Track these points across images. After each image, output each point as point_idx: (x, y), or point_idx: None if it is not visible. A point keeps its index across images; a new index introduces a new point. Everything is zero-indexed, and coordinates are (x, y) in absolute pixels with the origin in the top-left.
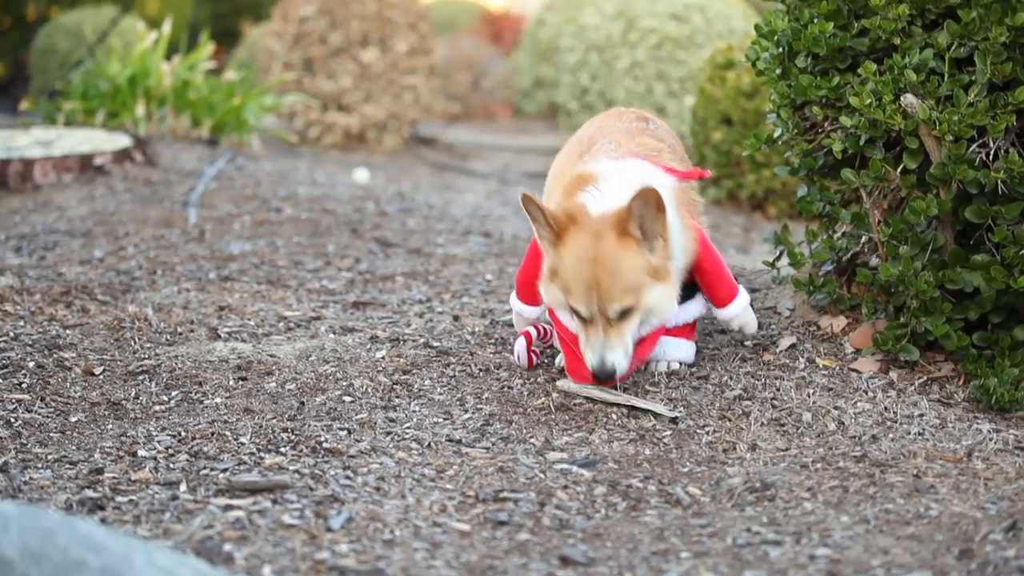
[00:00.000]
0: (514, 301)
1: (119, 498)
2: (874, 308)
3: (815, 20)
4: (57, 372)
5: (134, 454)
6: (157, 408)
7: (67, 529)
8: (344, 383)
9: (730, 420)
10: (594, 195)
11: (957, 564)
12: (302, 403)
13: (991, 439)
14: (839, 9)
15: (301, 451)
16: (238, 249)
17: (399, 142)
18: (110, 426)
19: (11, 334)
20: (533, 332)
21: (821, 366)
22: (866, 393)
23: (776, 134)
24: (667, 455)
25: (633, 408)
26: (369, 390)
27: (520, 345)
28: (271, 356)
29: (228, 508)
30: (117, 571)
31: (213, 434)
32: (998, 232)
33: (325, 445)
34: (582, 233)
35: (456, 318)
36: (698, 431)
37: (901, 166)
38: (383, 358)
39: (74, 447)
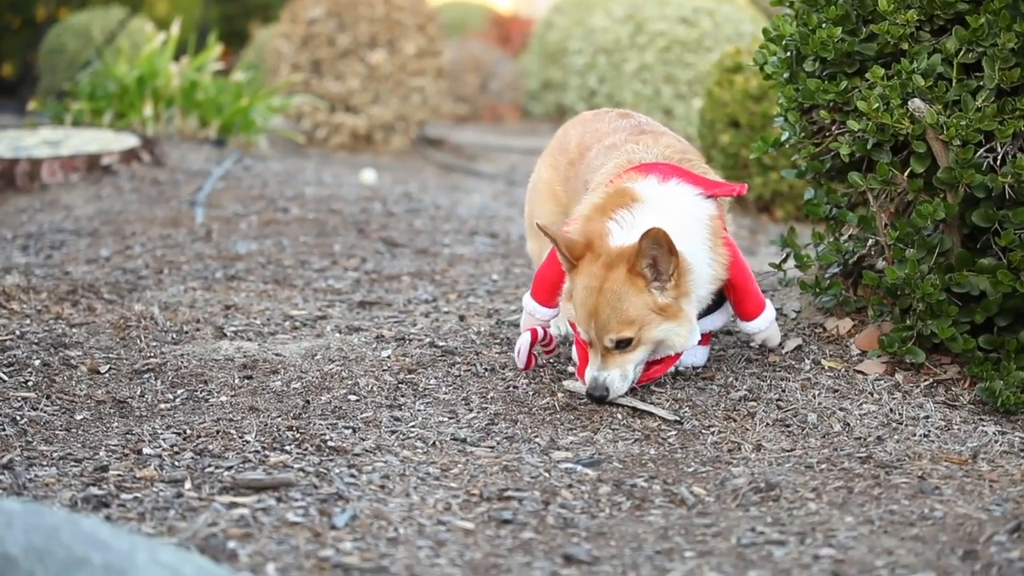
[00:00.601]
0: (528, 301)
1: (124, 495)
2: (880, 310)
3: (823, 25)
4: (63, 370)
5: (139, 452)
6: (162, 406)
7: (71, 526)
8: (349, 382)
9: (735, 420)
10: (625, 221)
11: (961, 565)
12: (307, 402)
13: (996, 441)
14: (847, 14)
15: (306, 449)
16: (244, 249)
17: (406, 143)
18: (115, 424)
19: (17, 332)
20: (540, 332)
21: (827, 368)
22: (871, 395)
23: (783, 137)
24: (672, 455)
25: (636, 410)
26: (374, 389)
27: (523, 342)
28: (277, 355)
29: (232, 506)
30: (121, 568)
31: (218, 432)
32: (1005, 236)
33: (330, 443)
34: (595, 262)
35: (462, 318)
36: (703, 431)
37: (908, 170)
38: (389, 357)
39: (79, 445)
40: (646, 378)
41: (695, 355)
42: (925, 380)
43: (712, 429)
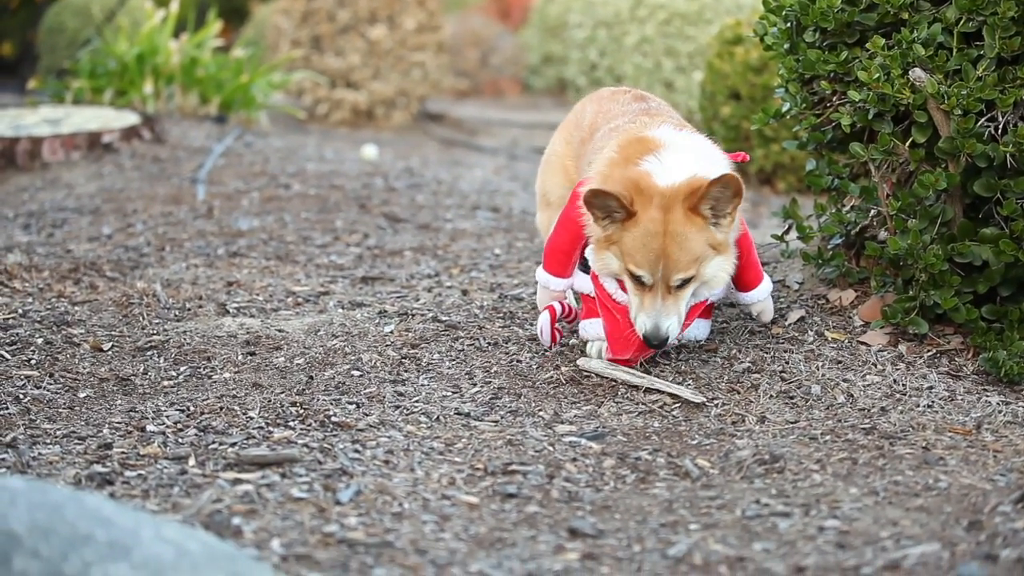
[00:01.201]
0: (541, 274)
1: (128, 473)
2: (883, 281)
3: None
4: (66, 348)
5: (143, 429)
6: (166, 383)
7: (75, 504)
8: (353, 357)
9: (739, 393)
10: (656, 165)
11: (966, 535)
12: (311, 377)
13: (1000, 411)
14: None
15: (310, 425)
16: (246, 225)
17: (407, 118)
18: (119, 401)
19: (20, 311)
20: (558, 308)
21: (830, 339)
22: (875, 366)
23: (784, 108)
24: (676, 428)
25: (659, 392)
26: (378, 364)
27: (544, 320)
28: (280, 331)
29: (237, 482)
30: (126, 545)
31: (222, 409)
32: (1007, 205)
33: (334, 419)
34: (650, 206)
35: (465, 292)
36: (707, 404)
37: (910, 140)
38: (392, 332)
39: (83, 422)
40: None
41: (698, 329)
42: (928, 351)
43: (716, 402)
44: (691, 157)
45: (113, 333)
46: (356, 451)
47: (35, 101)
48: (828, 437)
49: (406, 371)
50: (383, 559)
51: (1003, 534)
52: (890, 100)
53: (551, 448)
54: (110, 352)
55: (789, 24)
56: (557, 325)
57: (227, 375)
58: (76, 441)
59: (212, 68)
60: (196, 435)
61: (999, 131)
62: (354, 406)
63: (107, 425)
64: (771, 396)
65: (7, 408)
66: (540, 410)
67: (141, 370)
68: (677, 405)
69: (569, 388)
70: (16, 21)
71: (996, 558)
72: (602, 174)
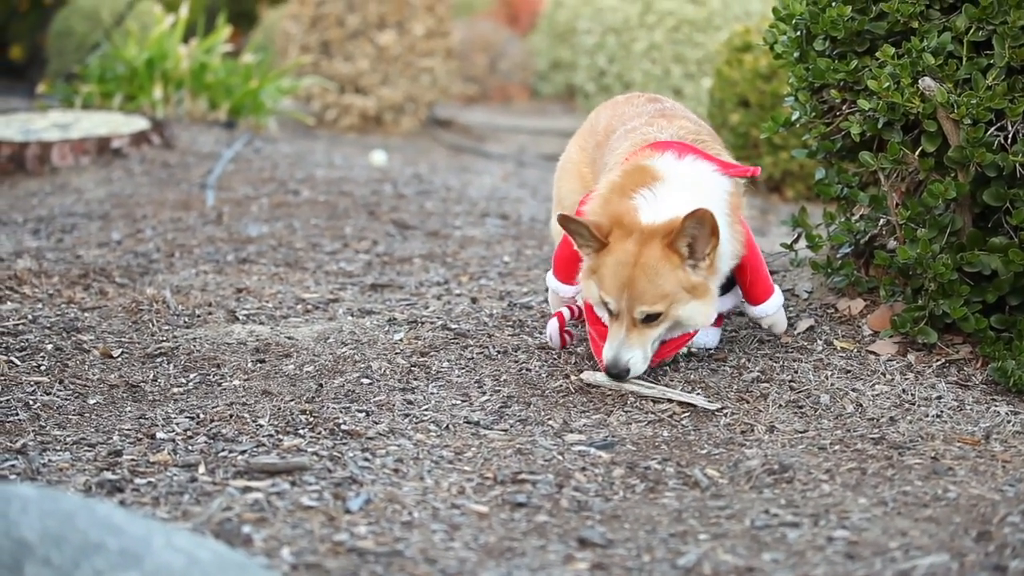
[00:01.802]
0: (551, 280)
1: (138, 480)
2: (892, 290)
3: (833, 3)
4: (75, 354)
5: (152, 436)
6: (175, 390)
7: (86, 511)
8: (362, 365)
9: (748, 402)
10: (648, 199)
11: (975, 546)
12: (320, 385)
13: (1009, 421)
14: None
15: (319, 433)
16: (256, 231)
17: (416, 124)
18: (128, 408)
19: (30, 316)
20: (566, 313)
21: (839, 348)
22: (884, 375)
23: (794, 117)
24: (685, 437)
25: (669, 401)
26: (387, 372)
27: (553, 326)
28: (289, 338)
29: (247, 490)
30: (136, 553)
31: (231, 416)
32: (1016, 215)
33: (343, 427)
34: (627, 239)
35: (474, 300)
36: (716, 413)
37: (919, 149)
38: (401, 340)
39: (93, 429)
40: (660, 356)
41: (708, 337)
42: (937, 360)
43: (725, 411)
44: (685, 196)
45: (123, 339)
46: (366, 459)
47: (44, 105)
48: (837, 447)
49: (416, 379)
50: (393, 568)
51: (1012, 545)
52: (900, 109)
53: (560, 457)
54: (120, 359)
55: (799, 32)
56: (567, 328)
57: (237, 382)
58: (86, 448)
59: (221, 73)
60: (206, 442)
61: (1008, 140)
62: (364, 414)
63: (117, 432)
64: (780, 405)
65: (17, 414)
66: (549, 419)
67: (151, 377)
68: (686, 414)
69: (578, 397)
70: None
71: (1005, 569)
72: (602, 196)
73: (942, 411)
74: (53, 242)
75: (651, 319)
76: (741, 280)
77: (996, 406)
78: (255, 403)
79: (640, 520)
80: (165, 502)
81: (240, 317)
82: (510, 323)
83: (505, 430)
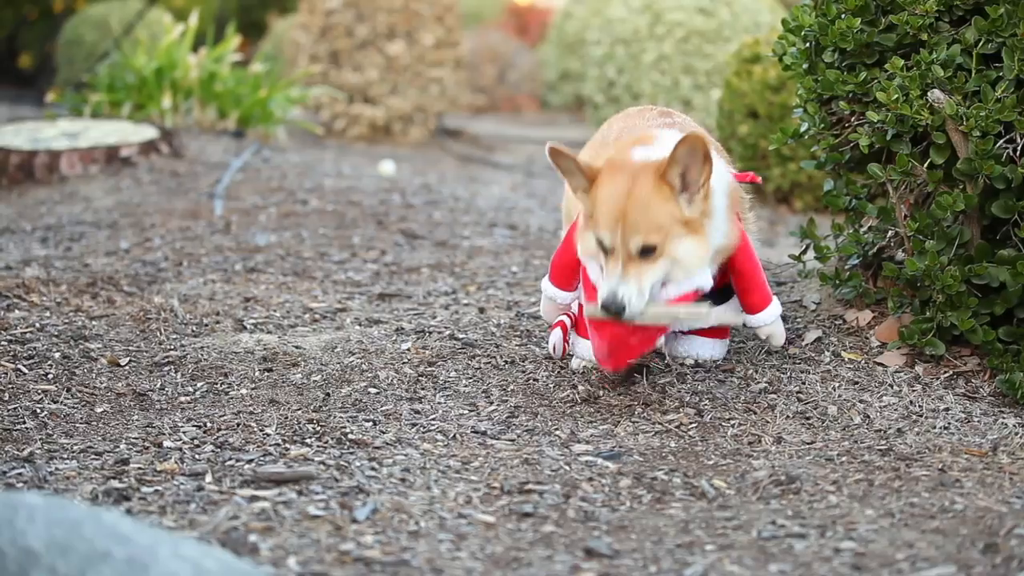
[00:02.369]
0: (546, 285)
1: (145, 489)
2: (900, 302)
3: (842, 15)
4: (83, 363)
5: (160, 445)
6: (183, 399)
7: (93, 520)
8: (370, 375)
9: (755, 413)
10: (641, 151)
11: (982, 558)
12: (327, 394)
13: (1017, 433)
14: (866, 4)
15: (326, 442)
16: (264, 241)
17: (425, 134)
18: (136, 417)
19: (37, 325)
20: (568, 321)
21: (847, 360)
22: (891, 387)
23: (803, 128)
24: (692, 448)
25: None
26: (395, 382)
27: (556, 336)
28: (297, 347)
29: (253, 499)
30: (143, 562)
31: (239, 425)
32: None
33: (350, 436)
34: (619, 172)
35: (482, 310)
36: (723, 424)
37: (928, 161)
38: (409, 350)
39: (100, 438)
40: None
41: (714, 349)
42: (945, 372)
43: (732, 422)
44: None
45: (130, 348)
46: (373, 469)
47: (53, 114)
48: (844, 458)
49: (423, 389)
50: None
51: (1019, 557)
52: (908, 121)
53: (567, 467)
54: (127, 367)
55: (808, 44)
56: (568, 341)
57: (244, 391)
58: (93, 456)
59: (230, 83)
60: (213, 451)
61: (1017, 153)
62: (371, 423)
63: (124, 440)
64: (787, 416)
65: (24, 422)
66: (557, 429)
67: (158, 385)
68: (693, 425)
69: (585, 407)
70: (35, 33)
71: None
72: (595, 153)
73: (950, 423)
74: (61, 250)
75: (647, 252)
76: (738, 288)
77: (1004, 418)
78: (262, 412)
79: (647, 531)
80: (172, 511)
81: (248, 326)
82: (518, 333)
83: (512, 440)
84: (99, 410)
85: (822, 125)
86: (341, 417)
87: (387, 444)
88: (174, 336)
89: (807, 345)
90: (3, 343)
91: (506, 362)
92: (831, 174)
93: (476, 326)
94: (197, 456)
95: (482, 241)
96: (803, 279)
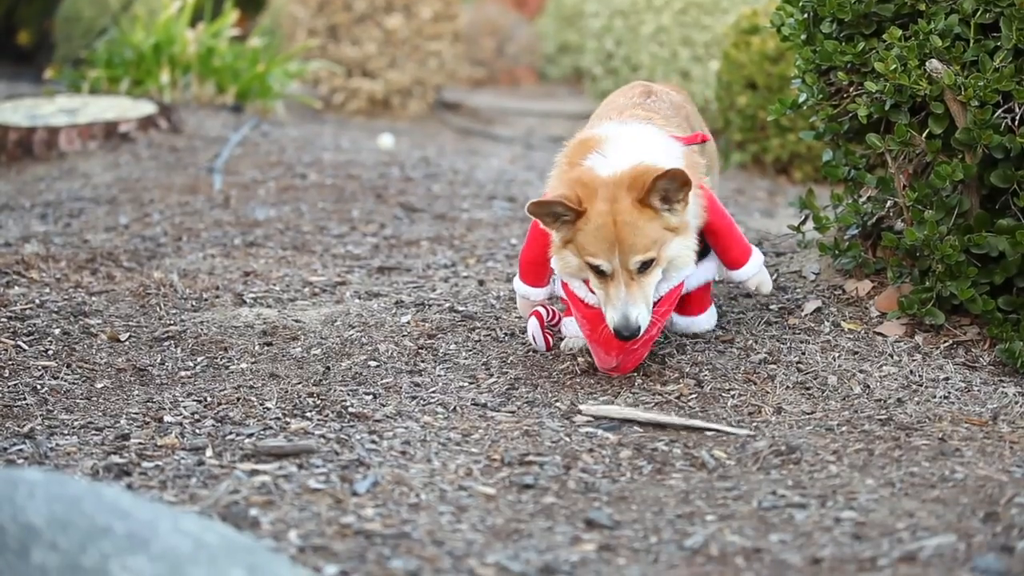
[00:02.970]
0: (518, 284)
1: (145, 464)
2: (899, 272)
3: None
4: (83, 339)
5: (160, 420)
6: (183, 374)
7: (93, 496)
8: (369, 348)
9: (755, 384)
10: (599, 160)
11: (982, 527)
12: (327, 368)
13: (1016, 402)
14: None
15: (327, 416)
16: (263, 215)
17: (424, 108)
18: (136, 392)
19: (37, 301)
20: (543, 312)
21: (846, 330)
22: (891, 357)
23: (801, 99)
24: (692, 419)
25: (694, 429)
26: (394, 355)
27: (534, 326)
28: (296, 321)
29: (254, 473)
30: (143, 537)
31: (239, 399)
32: (1023, 196)
33: (351, 410)
34: (596, 199)
35: (481, 283)
36: (723, 394)
37: (926, 131)
38: (408, 323)
39: (100, 413)
40: (657, 320)
41: (704, 324)
42: (945, 341)
43: (732, 392)
44: (633, 147)
45: (130, 323)
46: (373, 442)
47: (52, 91)
48: (844, 428)
49: (423, 361)
50: (400, 550)
51: (1019, 526)
52: (907, 91)
53: (568, 439)
54: (127, 342)
55: (806, 15)
56: (546, 331)
57: (244, 365)
58: (93, 432)
59: (229, 57)
60: (213, 426)
61: (1016, 122)
62: (371, 397)
63: (124, 416)
64: (787, 387)
65: (25, 399)
66: (557, 400)
67: (158, 360)
68: (694, 396)
69: (585, 379)
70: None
71: (1012, 550)
72: (552, 185)
73: (949, 392)
74: (60, 227)
75: (647, 266)
76: (716, 248)
77: (1003, 387)
78: (262, 386)
79: (647, 501)
80: (172, 486)
81: (247, 300)
82: (517, 305)
83: (512, 412)
84: (99, 386)
85: (820, 96)
86: (341, 390)
87: (387, 417)
88: (174, 311)
89: (807, 315)
90: (3, 320)
91: (506, 334)
92: (830, 144)
93: (476, 298)
94: (197, 431)
95: (481, 214)
96: (802, 249)
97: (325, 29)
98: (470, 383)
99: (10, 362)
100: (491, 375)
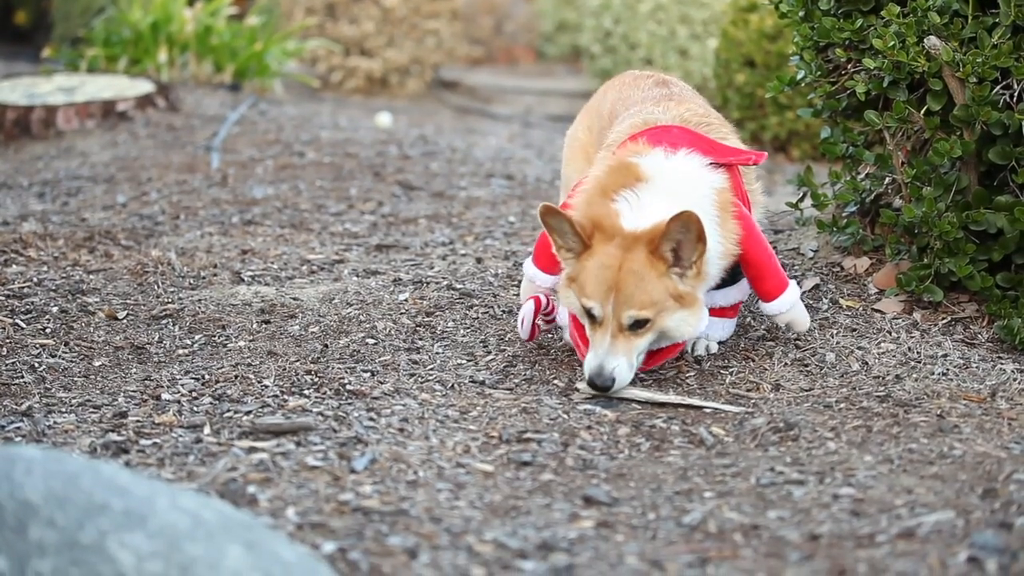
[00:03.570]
0: (528, 266)
1: (143, 441)
2: (898, 249)
3: None
4: (81, 317)
5: (158, 397)
6: (180, 352)
7: (91, 473)
8: (367, 325)
9: (754, 360)
10: (631, 202)
11: (981, 503)
12: (325, 346)
13: (1015, 379)
14: None
15: (325, 393)
16: (261, 193)
17: (422, 86)
18: (134, 370)
19: (35, 279)
20: (542, 300)
21: (844, 307)
22: (890, 333)
23: (799, 76)
24: (690, 395)
25: (690, 407)
26: (392, 332)
27: (527, 310)
28: (294, 299)
29: (252, 450)
30: (141, 514)
31: (236, 377)
32: (1021, 173)
33: (348, 387)
34: (609, 243)
35: (479, 260)
36: (722, 371)
37: (924, 108)
38: (406, 300)
39: (98, 391)
40: (650, 364)
41: (723, 330)
42: (943, 318)
43: (731, 369)
44: (669, 201)
45: (128, 301)
46: (371, 419)
47: (49, 69)
48: (843, 405)
49: (421, 339)
50: (398, 527)
51: (1018, 502)
52: (905, 68)
53: (566, 416)
54: (125, 321)
55: None
56: (537, 320)
57: (242, 343)
58: (91, 410)
59: (226, 36)
60: (211, 403)
61: (1014, 99)
62: (369, 374)
63: (122, 394)
64: (786, 364)
65: (22, 377)
66: (555, 378)
67: (156, 338)
68: (692, 373)
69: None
70: None
71: (1011, 526)
72: (576, 201)
73: (948, 369)
74: (58, 205)
75: (639, 326)
76: (750, 277)
77: (1002, 364)
78: (260, 364)
79: (645, 478)
80: (170, 463)
81: (245, 278)
82: (515, 283)
83: (510, 389)
84: (97, 364)
85: (819, 73)
86: (339, 368)
87: (385, 394)
88: (172, 289)
89: (805, 293)
90: (1, 298)
91: (504, 312)
92: (828, 122)
93: (473, 276)
94: (195, 408)
95: (479, 192)
96: (801, 227)
97: (323, 7)
98: (468, 360)
99: (8, 340)
100: (489, 353)
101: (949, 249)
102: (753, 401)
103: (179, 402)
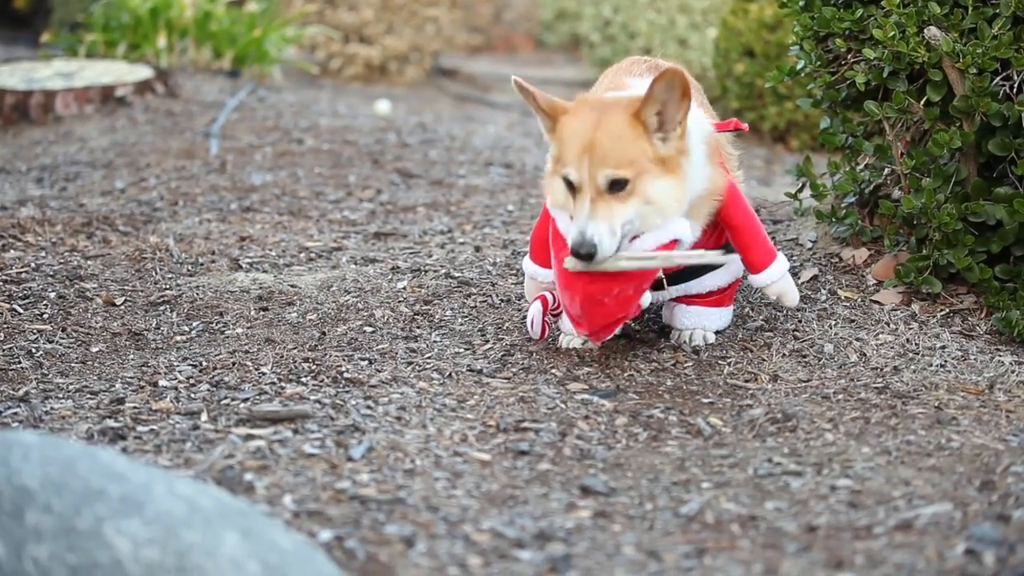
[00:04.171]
0: (527, 264)
1: (140, 428)
2: (896, 240)
3: None
4: (78, 302)
5: (155, 384)
6: (178, 338)
7: (88, 459)
8: (365, 313)
9: (752, 351)
10: (614, 93)
11: (978, 495)
12: (323, 333)
13: (1013, 371)
14: None
15: (322, 381)
16: (259, 180)
17: (421, 74)
18: (131, 356)
19: (33, 265)
20: (549, 298)
21: (843, 298)
22: (888, 325)
23: (799, 66)
24: (688, 386)
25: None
26: (390, 320)
27: (536, 310)
28: (292, 286)
29: (249, 438)
30: (138, 500)
31: (234, 364)
32: (1021, 165)
33: (346, 375)
34: (587, 108)
35: (478, 249)
36: (720, 362)
37: (924, 98)
38: (404, 288)
39: (95, 377)
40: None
41: (719, 319)
42: (941, 310)
43: (729, 360)
44: None
45: (126, 288)
46: (368, 407)
47: (48, 54)
48: (841, 396)
49: (418, 327)
50: (395, 516)
51: (1015, 494)
52: (905, 58)
53: (563, 405)
54: (123, 307)
55: None
56: (547, 317)
57: (240, 330)
58: (89, 396)
59: (226, 22)
60: (208, 390)
61: (1014, 90)
62: (366, 362)
63: (119, 380)
64: (784, 355)
65: (20, 362)
66: (553, 367)
67: (154, 325)
68: (690, 363)
69: (582, 345)
70: None
71: (1008, 518)
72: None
73: (946, 361)
74: (57, 191)
75: (617, 187)
76: (737, 245)
77: (1000, 356)
78: (258, 351)
79: (643, 468)
80: (167, 450)
81: (243, 265)
82: (513, 272)
83: (508, 378)
84: (95, 350)
85: (818, 63)
86: (337, 356)
87: (383, 383)
88: (169, 275)
89: (803, 283)
90: None
91: (502, 301)
92: (827, 112)
93: (472, 265)
94: (192, 395)
95: (478, 180)
96: (799, 217)
97: None
98: (466, 349)
99: (5, 325)
100: (487, 341)
101: (948, 240)
102: (751, 392)
103: (176, 389)
